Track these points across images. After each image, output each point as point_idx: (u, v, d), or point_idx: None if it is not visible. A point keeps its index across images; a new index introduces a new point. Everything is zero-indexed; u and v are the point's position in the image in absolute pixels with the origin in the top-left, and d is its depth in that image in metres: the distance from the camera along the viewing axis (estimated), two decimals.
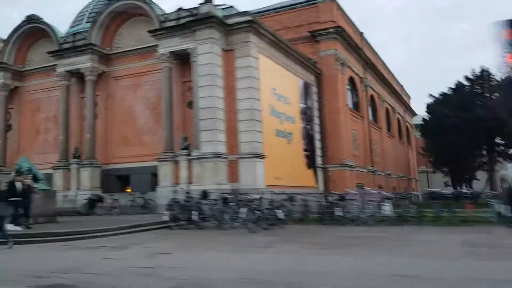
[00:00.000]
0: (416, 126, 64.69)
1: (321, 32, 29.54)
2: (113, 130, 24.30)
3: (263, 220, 14.13)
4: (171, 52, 21.94)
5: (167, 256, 9.85)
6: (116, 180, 24.04)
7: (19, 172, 16.46)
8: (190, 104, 22.27)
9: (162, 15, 22.68)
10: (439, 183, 56.54)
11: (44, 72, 26.85)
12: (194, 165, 20.66)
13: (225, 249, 10.91)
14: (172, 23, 21.96)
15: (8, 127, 27.13)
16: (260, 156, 20.99)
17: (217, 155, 20.28)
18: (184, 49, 21.52)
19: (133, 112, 24.02)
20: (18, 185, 13.82)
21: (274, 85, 23.65)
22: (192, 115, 21.29)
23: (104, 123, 24.43)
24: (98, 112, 24.45)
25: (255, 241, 12.14)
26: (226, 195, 16.42)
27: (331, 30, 29.38)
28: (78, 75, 24.79)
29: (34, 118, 27.02)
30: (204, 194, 16.15)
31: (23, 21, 26.91)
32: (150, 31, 22.33)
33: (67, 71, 24.66)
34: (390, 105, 46.94)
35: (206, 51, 20.94)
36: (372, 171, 35.44)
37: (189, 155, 20.89)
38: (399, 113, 51.61)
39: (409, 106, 57.55)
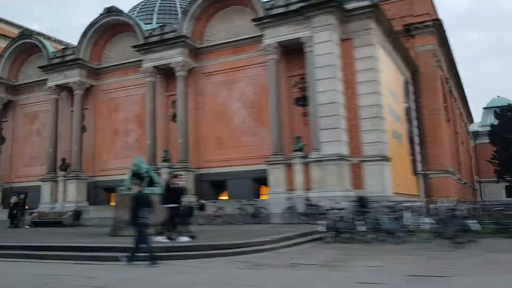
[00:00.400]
0: (473, 133, 61.47)
1: (418, 26, 26.93)
2: (204, 131, 21.90)
3: (456, 233, 11.42)
4: (278, 43, 19.61)
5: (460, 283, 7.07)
6: (209, 186, 21.54)
7: (137, 175, 14.20)
8: (297, 101, 19.94)
9: (266, 1, 20.39)
10: (495, 193, 53.26)
11: (123, 70, 24.68)
12: (313, 169, 18.12)
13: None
14: (281, 10, 19.64)
15: (83, 129, 24.94)
16: (387, 159, 18.36)
17: (342, 157, 17.71)
18: (297, 38, 19.17)
19: (227, 111, 21.60)
20: (174, 187, 11.38)
21: (388, 80, 21.09)
22: (309, 112, 18.82)
23: (194, 123, 22.04)
24: (188, 111, 22.11)
25: (499, 260, 9.37)
26: (389, 202, 13.76)
27: (429, 23, 26.76)
28: (165, 71, 22.55)
29: (111, 118, 24.73)
30: (362, 202, 13.56)
31: (101, 14, 24.73)
32: (254, 20, 20.05)
33: (155, 67, 22.44)
34: (460, 110, 43.89)
35: (325, 39, 18.55)
36: (459, 179, 32.45)
37: (305, 157, 18.39)
38: (463, 120, 48.45)
39: (470, 112, 54.27)
